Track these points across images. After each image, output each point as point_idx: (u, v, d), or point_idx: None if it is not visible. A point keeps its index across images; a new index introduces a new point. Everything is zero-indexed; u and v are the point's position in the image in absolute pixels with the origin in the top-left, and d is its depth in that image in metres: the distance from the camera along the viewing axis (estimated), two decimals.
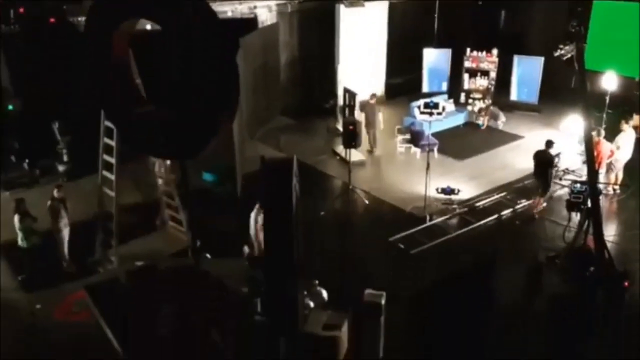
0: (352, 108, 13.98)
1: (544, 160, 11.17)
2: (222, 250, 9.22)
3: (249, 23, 15.18)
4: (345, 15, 16.02)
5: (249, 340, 6.43)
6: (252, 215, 9.27)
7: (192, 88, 5.65)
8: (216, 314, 6.26)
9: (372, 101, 14.15)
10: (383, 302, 7.41)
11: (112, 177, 9.49)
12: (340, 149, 13.63)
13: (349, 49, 16.30)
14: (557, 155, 12.75)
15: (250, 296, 7.56)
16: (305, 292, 7.86)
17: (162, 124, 6.07)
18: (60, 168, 12.86)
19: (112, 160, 9.40)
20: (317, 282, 8.26)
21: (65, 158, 12.91)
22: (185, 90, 5.70)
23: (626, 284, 8.57)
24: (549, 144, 11.29)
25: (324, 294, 8.21)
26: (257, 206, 9.19)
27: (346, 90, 14.44)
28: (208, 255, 9.00)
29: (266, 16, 15.95)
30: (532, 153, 11.40)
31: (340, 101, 15.38)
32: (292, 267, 6.39)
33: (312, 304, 7.90)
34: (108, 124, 9.18)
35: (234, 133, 11.27)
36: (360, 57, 16.60)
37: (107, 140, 9.41)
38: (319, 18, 16.57)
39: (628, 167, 12.19)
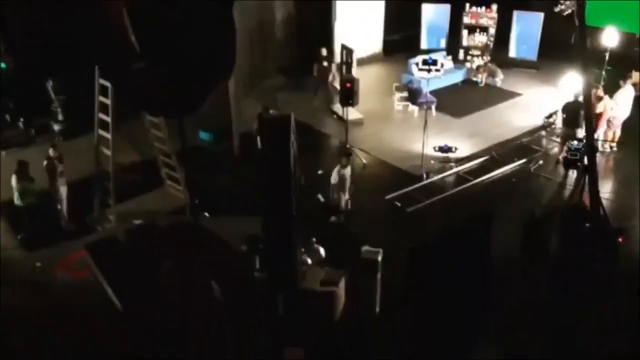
0: (349, 65, 13.82)
1: (578, 110, 11.15)
2: (220, 209, 9.25)
3: None
4: None
5: (249, 295, 6.53)
6: (335, 169, 9.61)
7: (188, 44, 5.57)
8: (216, 270, 6.33)
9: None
10: (380, 259, 7.52)
11: (108, 135, 9.44)
12: (337, 107, 13.53)
13: (346, 5, 16.00)
14: (555, 112, 12.73)
15: (249, 253, 7.65)
16: (303, 250, 7.95)
17: (157, 81, 6.00)
18: (56, 127, 12.78)
19: (108, 118, 9.33)
20: (314, 239, 8.34)
21: (60, 117, 12.81)
22: (180, 46, 5.61)
23: (620, 240, 8.69)
24: (577, 94, 11.31)
25: (322, 251, 8.30)
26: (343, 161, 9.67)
27: (344, 47, 14.24)
28: (206, 214, 9.05)
29: None
30: (530, 110, 11.30)
31: (337, 58, 15.17)
32: (291, 225, 6.44)
33: (309, 261, 8.00)
34: (103, 82, 9.07)
35: (230, 91, 11.17)
36: (358, 13, 16.32)
37: (102, 98, 9.31)
38: None
39: (626, 124, 12.18)
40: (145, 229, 7.70)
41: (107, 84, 8.87)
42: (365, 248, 7.67)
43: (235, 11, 5.88)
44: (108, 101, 9.17)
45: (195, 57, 5.60)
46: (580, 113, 11.20)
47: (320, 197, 9.78)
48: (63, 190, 9.63)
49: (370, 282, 7.55)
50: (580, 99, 11.26)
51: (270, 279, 6.79)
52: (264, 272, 7.11)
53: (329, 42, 15.92)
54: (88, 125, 10.10)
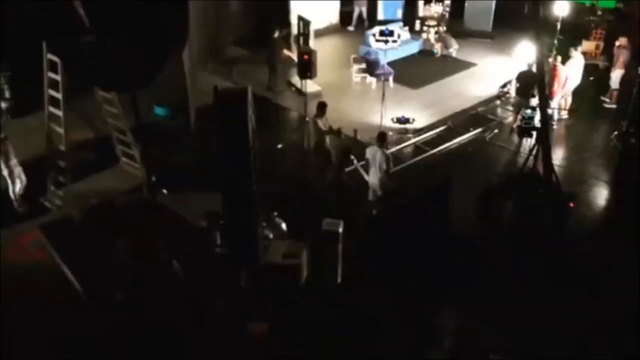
0: (306, 37, 13.68)
1: (532, 79, 11.33)
2: (178, 185, 9.13)
3: None
4: None
5: (210, 271, 6.52)
6: (379, 153, 8.87)
7: (139, 15, 5.39)
8: (176, 247, 6.29)
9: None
10: (341, 230, 7.59)
11: (60, 113, 9.12)
12: (295, 79, 13.43)
13: None
14: (509, 82, 12.97)
15: (209, 229, 7.60)
16: (265, 224, 7.96)
17: (108, 55, 5.81)
18: (3, 105, 12.25)
19: (59, 95, 9.00)
20: (275, 213, 8.34)
21: (7, 94, 12.28)
22: (131, 18, 5.43)
23: (571, 205, 9.01)
24: (530, 64, 11.53)
25: (283, 224, 8.32)
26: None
27: (300, 19, 14.07)
28: (164, 191, 8.92)
29: None
30: (485, 80, 11.50)
31: (294, 30, 15.00)
32: (251, 199, 6.42)
33: (271, 235, 8.01)
34: (51, 57, 8.73)
35: (185, 64, 10.93)
36: None
37: (51, 74, 8.97)
38: None
39: (577, 92, 12.52)
40: (102, 208, 7.57)
41: (56, 59, 8.54)
42: (327, 220, 7.73)
43: None
44: (58, 77, 8.84)
45: (146, 29, 5.43)
46: (533, 82, 11.50)
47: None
48: (17, 171, 9.30)
49: (331, 253, 7.63)
50: (534, 68, 11.53)
51: (232, 255, 6.78)
52: (226, 247, 7.10)
53: (285, 13, 15.70)
54: (38, 103, 9.73)
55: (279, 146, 11.45)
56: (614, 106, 12.85)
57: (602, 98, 13.19)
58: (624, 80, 12.61)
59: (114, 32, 5.54)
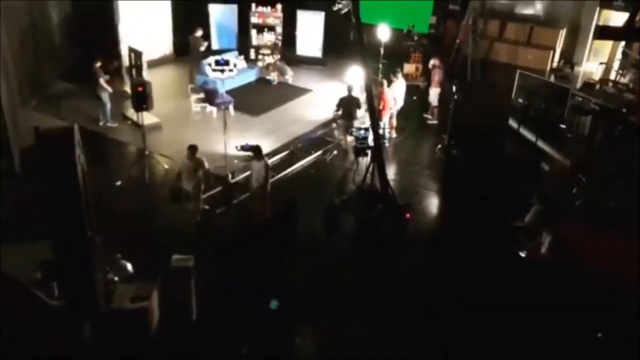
0: (139, 68, 13.24)
1: (352, 103, 12.33)
2: (4, 236, 8.23)
3: None
4: None
5: (48, 328, 5.93)
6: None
7: None
8: (4, 308, 5.63)
9: None
10: (191, 264, 7.39)
11: None
12: (130, 112, 12.90)
13: (129, 6, 15.28)
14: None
15: (45, 281, 6.94)
16: (108, 268, 7.48)
17: None
18: None
19: None
20: (119, 255, 7.88)
21: None
22: None
23: (408, 215, 9.70)
24: (350, 89, 12.41)
25: (129, 266, 7.89)
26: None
27: (131, 50, 13.59)
28: None
29: None
30: (321, 104, 12.01)
31: (126, 62, 14.45)
32: (85, 244, 5.99)
33: (116, 279, 7.55)
34: None
35: (3, 103, 9.98)
36: (142, 14, 15.74)
37: None
38: None
39: (403, 111, 13.60)
40: None
41: None
42: (176, 256, 7.48)
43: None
44: None
45: None
46: (353, 106, 12.32)
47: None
48: None
49: (183, 290, 7.38)
50: (354, 93, 12.38)
51: (70, 306, 6.25)
52: (63, 298, 6.53)
53: (115, 44, 15.07)
54: None
55: (118, 183, 10.87)
56: (435, 122, 14.15)
57: (425, 115, 14.46)
58: (440, 97, 13.94)
59: None
